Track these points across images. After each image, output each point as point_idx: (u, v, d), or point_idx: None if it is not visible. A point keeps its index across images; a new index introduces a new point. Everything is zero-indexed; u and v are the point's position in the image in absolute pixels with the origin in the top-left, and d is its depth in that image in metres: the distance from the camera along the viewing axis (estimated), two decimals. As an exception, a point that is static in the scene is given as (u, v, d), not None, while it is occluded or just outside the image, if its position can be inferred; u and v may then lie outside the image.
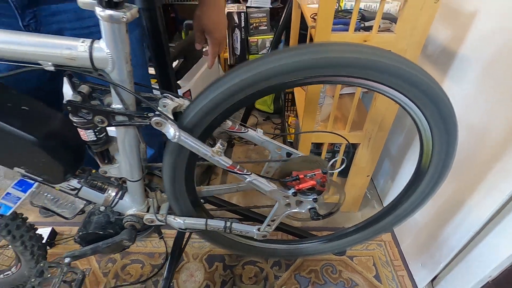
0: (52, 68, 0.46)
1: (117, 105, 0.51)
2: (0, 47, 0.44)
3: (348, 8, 0.98)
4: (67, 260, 0.69)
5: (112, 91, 0.49)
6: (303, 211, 0.65)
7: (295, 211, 0.65)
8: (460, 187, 0.82)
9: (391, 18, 0.86)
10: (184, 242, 0.99)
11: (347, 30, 0.81)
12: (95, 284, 1.00)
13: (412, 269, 1.04)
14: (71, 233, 1.16)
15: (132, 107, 0.52)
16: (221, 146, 0.55)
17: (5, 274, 0.91)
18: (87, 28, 0.68)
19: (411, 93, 0.51)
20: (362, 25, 0.83)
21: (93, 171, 0.67)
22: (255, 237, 0.72)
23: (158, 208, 0.73)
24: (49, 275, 0.65)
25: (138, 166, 0.62)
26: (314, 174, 0.60)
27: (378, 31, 0.78)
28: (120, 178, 0.70)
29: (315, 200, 0.62)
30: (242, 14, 1.44)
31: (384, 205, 1.29)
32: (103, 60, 0.45)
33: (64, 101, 0.49)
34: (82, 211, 0.85)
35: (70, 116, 0.51)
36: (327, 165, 0.66)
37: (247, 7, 1.47)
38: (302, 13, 1.42)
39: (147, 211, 0.71)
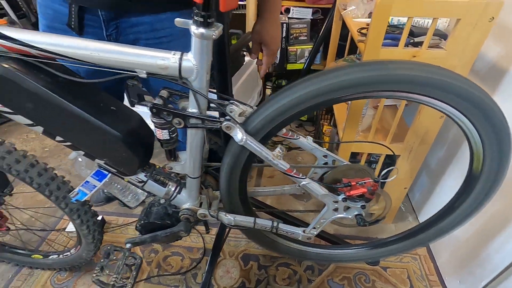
0: (145, 76, 0.53)
1: (193, 109, 0.57)
2: (106, 56, 0.51)
3: (395, 23, 1.00)
4: (128, 245, 0.77)
5: (191, 97, 0.56)
6: (350, 217, 0.68)
7: (342, 216, 0.68)
8: (508, 204, 0.81)
9: (440, 34, 0.88)
10: (224, 239, 1.04)
11: (395, 45, 0.83)
12: (140, 272, 1.07)
13: (449, 286, 1.03)
14: (117, 222, 1.25)
15: (204, 111, 0.58)
16: (280, 151, 0.60)
17: (64, 254, 1.01)
18: (158, 38, 0.76)
19: (463, 107, 0.52)
20: (412, 40, 0.85)
21: (157, 166, 0.75)
22: (299, 239, 0.76)
23: (209, 204, 0.79)
24: (114, 258, 0.73)
25: (199, 165, 0.68)
26: (365, 182, 0.63)
27: (428, 47, 0.80)
28: (178, 174, 0.77)
29: (363, 207, 0.65)
30: (284, 25, 1.50)
31: (419, 218, 1.28)
32: (189, 70, 0.52)
33: (150, 104, 0.56)
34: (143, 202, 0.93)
35: (151, 117, 0.58)
36: (374, 174, 0.69)
37: (289, 18, 1.53)
38: (342, 26, 1.46)
39: (200, 206, 0.77)
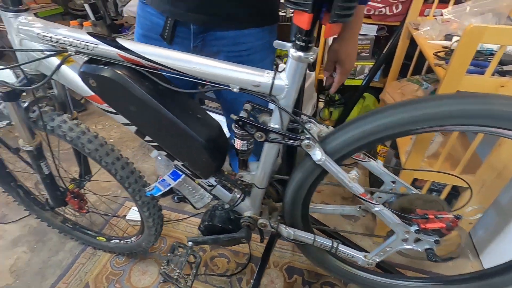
0: (237, 91, 0.56)
1: (275, 125, 0.60)
2: (206, 70, 0.56)
3: (478, 48, 0.94)
4: (190, 244, 0.81)
5: (276, 113, 0.58)
6: (419, 249, 0.65)
7: (411, 248, 0.66)
8: None
9: (532, 64, 0.81)
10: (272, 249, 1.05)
11: (479, 72, 0.79)
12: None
13: None
14: (170, 217, 1.32)
15: (286, 128, 0.61)
16: (357, 174, 0.60)
17: (125, 240, 1.10)
18: (239, 52, 0.81)
19: None
20: (500, 69, 0.79)
21: (226, 172, 0.78)
22: (359, 263, 0.74)
23: (269, 214, 0.80)
24: (178, 254, 0.78)
25: (269, 177, 0.71)
26: (444, 217, 0.60)
27: (518, 77, 0.75)
28: (243, 182, 0.80)
29: (437, 242, 0.62)
30: (347, 40, 1.49)
31: (482, 258, 1.18)
32: (280, 88, 0.54)
33: (236, 117, 0.59)
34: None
35: (234, 128, 0.62)
36: (448, 207, 0.66)
37: (352, 33, 1.52)
38: (409, 44, 1.41)
39: (260, 216, 0.80)
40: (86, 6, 2.40)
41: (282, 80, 0.54)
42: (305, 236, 0.75)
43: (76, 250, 1.18)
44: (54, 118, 0.74)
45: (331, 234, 1.00)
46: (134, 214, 1.26)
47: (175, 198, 1.38)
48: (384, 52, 1.48)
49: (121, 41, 0.57)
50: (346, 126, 0.58)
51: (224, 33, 0.77)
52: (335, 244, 0.73)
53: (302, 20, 0.45)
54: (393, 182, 0.70)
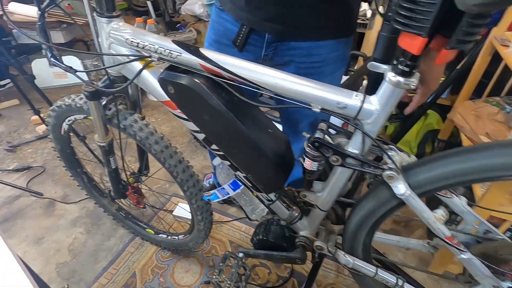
0: (318, 111, 0.53)
1: (354, 150, 0.55)
2: (288, 86, 0.53)
3: None
4: (241, 255, 0.80)
5: (357, 137, 0.54)
6: (507, 307, 0.57)
7: (497, 304, 0.57)
8: None
9: None
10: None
11: None
12: (222, 246, 1.14)
13: None
14: (214, 218, 1.33)
15: (366, 154, 0.56)
16: (444, 215, 0.54)
17: (172, 237, 1.12)
18: (311, 63, 0.77)
19: None
20: None
21: (286, 188, 0.76)
22: (425, 307, 0.67)
23: (325, 236, 0.76)
24: (229, 264, 0.77)
25: (334, 200, 0.66)
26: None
27: None
28: (301, 199, 0.77)
29: (533, 303, 0.54)
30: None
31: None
32: (368, 113, 0.50)
33: (313, 137, 0.56)
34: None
35: (307, 148, 0.59)
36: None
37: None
38: (491, 62, 1.26)
39: (317, 237, 0.76)
40: (149, 3, 2.53)
41: (373, 104, 0.49)
42: (366, 268, 0.70)
43: (126, 239, 1.24)
44: (126, 117, 0.77)
45: (391, 268, 0.93)
46: (180, 210, 1.30)
47: (220, 199, 1.39)
48: (458, 67, 1.34)
49: (203, 51, 0.57)
50: (437, 160, 0.52)
51: (298, 44, 0.74)
52: (399, 282, 0.67)
53: (413, 44, 0.40)
54: (478, 223, 0.62)
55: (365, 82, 1.27)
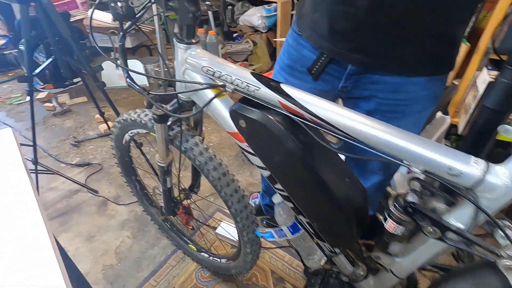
0: (419, 172, 0.44)
1: (459, 224, 0.45)
2: (383, 137, 0.45)
3: None
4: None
5: (467, 210, 0.44)
6: None
7: None
8: None
9: None
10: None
11: None
12: (263, 275, 1.10)
13: None
14: (256, 241, 1.28)
15: (471, 230, 0.45)
16: None
17: (214, 258, 1.09)
18: (395, 100, 0.67)
19: None
20: None
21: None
22: None
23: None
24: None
25: (412, 269, 0.56)
26: None
27: None
28: (369, 256, 0.67)
29: None
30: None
31: None
32: (491, 187, 0.39)
33: (406, 203, 0.47)
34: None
35: (394, 209, 0.49)
36: None
37: None
38: None
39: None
40: (210, 13, 2.59)
41: (499, 177, 0.39)
42: None
43: (169, 250, 1.24)
44: (188, 139, 0.75)
45: None
46: (223, 230, 1.26)
47: (264, 222, 1.33)
48: None
49: (285, 87, 0.51)
50: None
51: (384, 77, 0.65)
52: None
53: None
54: None
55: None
